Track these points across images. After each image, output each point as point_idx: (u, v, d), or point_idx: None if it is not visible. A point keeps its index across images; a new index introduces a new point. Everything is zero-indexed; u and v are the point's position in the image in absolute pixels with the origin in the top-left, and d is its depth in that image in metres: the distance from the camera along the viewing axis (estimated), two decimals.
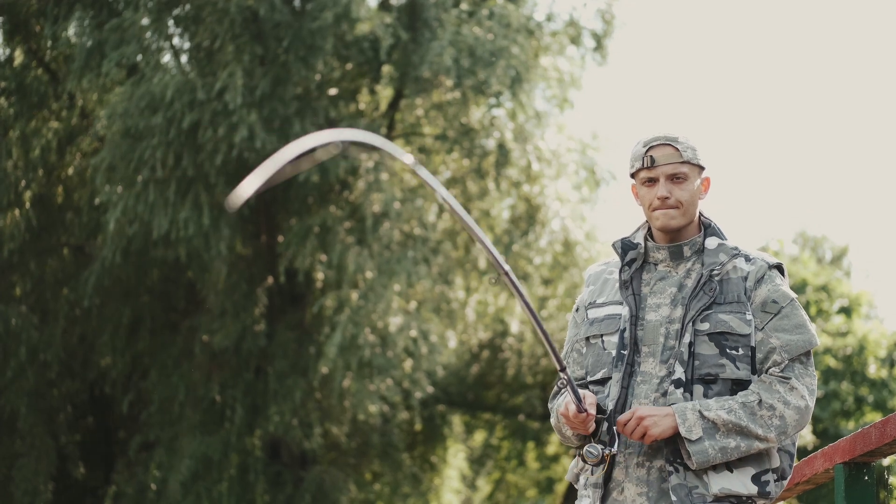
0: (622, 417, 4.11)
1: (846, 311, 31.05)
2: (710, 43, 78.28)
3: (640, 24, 68.05)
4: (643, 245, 4.36)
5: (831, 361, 29.15)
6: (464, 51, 19.01)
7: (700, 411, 4.08)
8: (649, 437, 4.08)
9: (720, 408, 4.09)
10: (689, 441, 4.06)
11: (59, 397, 21.02)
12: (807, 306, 30.52)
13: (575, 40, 21.89)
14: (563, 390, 4.37)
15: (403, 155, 3.77)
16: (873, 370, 29.49)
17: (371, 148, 3.92)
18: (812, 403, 4.18)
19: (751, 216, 71.19)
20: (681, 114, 74.40)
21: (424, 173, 3.80)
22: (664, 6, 67.96)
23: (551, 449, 28.45)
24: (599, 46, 22.09)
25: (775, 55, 76.45)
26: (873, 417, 28.51)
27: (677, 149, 4.28)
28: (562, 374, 4.09)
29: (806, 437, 25.54)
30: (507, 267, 3.89)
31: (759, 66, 76.63)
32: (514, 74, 19.21)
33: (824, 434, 27.80)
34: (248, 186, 3.49)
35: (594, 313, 4.41)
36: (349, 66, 20.20)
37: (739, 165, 75.00)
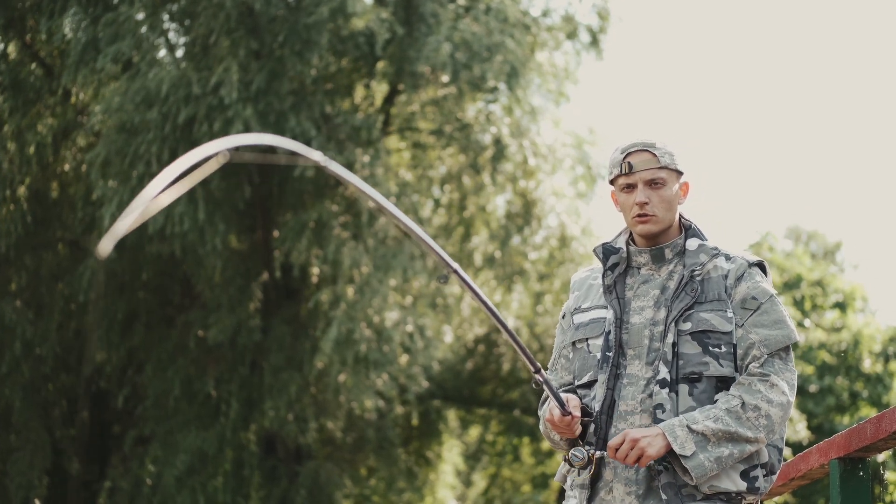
0: (612, 442, 4.12)
1: (841, 306, 31.07)
2: (705, 38, 78.33)
3: (636, 20, 68.06)
4: (625, 249, 4.38)
5: (826, 356, 29.17)
6: (460, 46, 19.00)
7: (688, 426, 4.09)
8: (646, 459, 4.08)
9: (706, 418, 4.09)
10: (685, 457, 4.07)
11: (53, 392, 21.03)
12: (801, 301, 30.54)
13: (571, 35, 21.91)
14: (549, 397, 4.39)
15: (311, 152, 3.65)
16: (868, 365, 29.51)
17: (269, 150, 3.63)
18: (792, 398, 4.20)
19: (744, 211, 71.24)
20: (675, 109, 74.45)
21: (338, 168, 3.73)
22: (659, 1, 67.95)
23: (546, 444, 28.44)
24: (595, 42, 22.10)
25: (769, 50, 76.50)
26: (868, 413, 28.54)
27: (655, 154, 4.29)
28: (536, 376, 4.11)
29: (801, 432, 25.57)
30: (455, 265, 3.88)
31: (753, 61, 76.68)
32: (510, 69, 19.19)
33: (819, 429, 27.83)
34: (123, 226, 3.15)
35: (579, 318, 4.43)
36: (345, 61, 20.19)
37: (732, 160, 75.04)
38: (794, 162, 75.00)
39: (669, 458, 4.13)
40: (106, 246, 3.26)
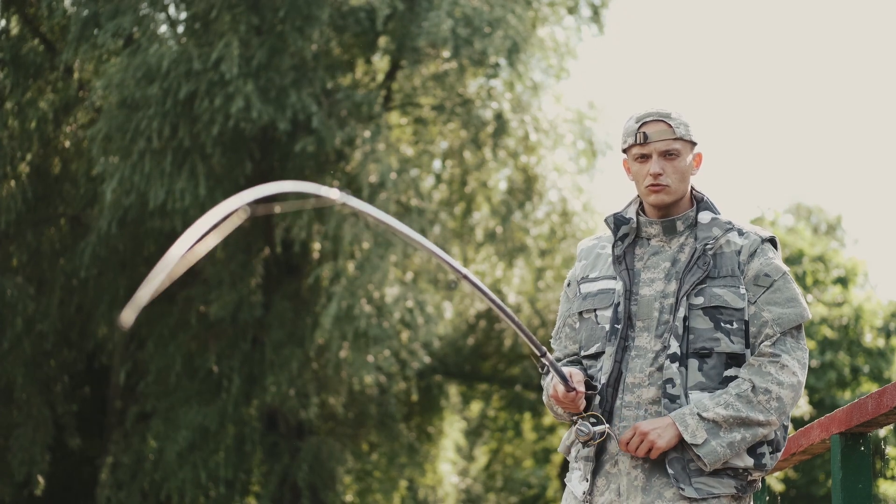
0: (624, 437, 4.11)
1: (842, 282, 31.07)
2: (706, 12, 78.17)
3: None
4: (635, 220, 4.36)
5: (828, 332, 29.18)
6: (461, 21, 18.96)
7: (698, 414, 4.08)
8: (657, 451, 4.07)
9: (717, 405, 4.09)
10: (696, 446, 4.07)
11: (55, 367, 21.05)
12: (803, 277, 30.54)
13: (572, 10, 21.86)
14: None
15: (328, 191, 3.62)
16: (869, 339, 29.52)
17: (292, 196, 3.63)
18: (804, 378, 4.20)
19: (745, 186, 71.22)
20: (676, 83, 74.34)
21: (356, 202, 3.71)
22: None
23: (548, 419, 28.49)
24: (596, 16, 22.07)
25: (770, 26, 76.36)
26: (869, 388, 28.57)
27: (670, 125, 4.26)
28: (543, 360, 4.09)
29: (802, 407, 25.59)
30: (464, 270, 3.86)
31: (754, 36, 76.55)
32: (512, 45, 19.15)
33: (820, 404, 27.86)
34: (144, 295, 3.11)
35: (587, 288, 4.40)
36: (346, 36, 20.15)
37: (734, 135, 74.97)
38: (795, 137, 74.91)
39: (683, 447, 4.12)
40: (128, 317, 3.21)
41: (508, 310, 3.91)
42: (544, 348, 4.07)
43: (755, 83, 75.90)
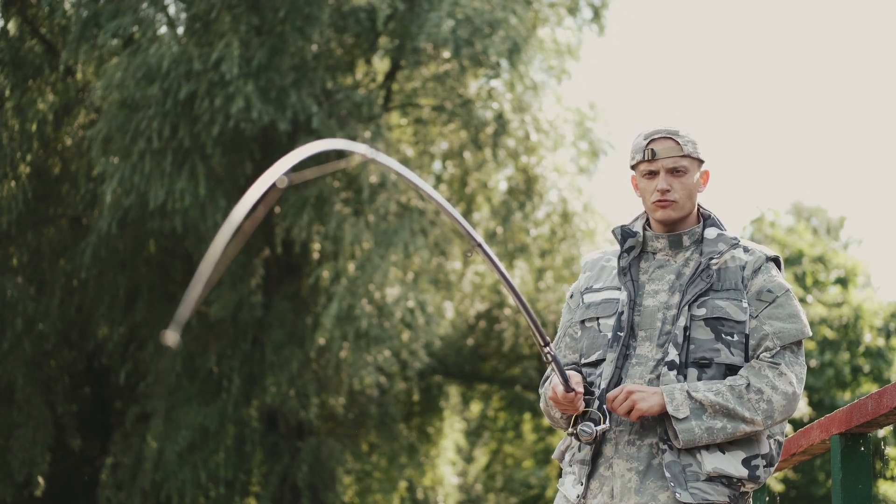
0: (611, 393, 4.14)
1: (842, 282, 31.07)
2: (706, 12, 78.18)
3: None
4: (642, 234, 4.40)
5: (827, 332, 29.17)
6: (462, 21, 18.96)
7: (688, 392, 4.12)
8: (637, 412, 4.10)
9: (708, 389, 4.13)
10: (676, 419, 4.10)
11: (56, 368, 21.05)
12: (803, 277, 30.54)
13: (572, 11, 21.86)
14: (551, 376, 4.38)
15: (357, 146, 3.68)
16: (869, 339, 29.51)
17: (317, 160, 3.61)
18: (800, 392, 4.23)
19: (746, 186, 71.23)
20: (678, 83, 74.35)
21: (383, 158, 3.75)
22: None
23: (548, 420, 28.46)
24: (597, 17, 22.07)
25: (771, 26, 76.36)
26: (869, 388, 28.57)
27: (678, 142, 4.31)
28: (546, 350, 4.12)
29: (802, 409, 25.59)
30: (479, 239, 3.90)
31: (755, 36, 76.57)
32: (512, 45, 19.16)
33: (820, 405, 27.85)
34: (196, 291, 3.06)
35: (590, 298, 4.44)
36: (346, 36, 20.15)
37: (735, 135, 74.99)
38: (797, 137, 74.93)
39: (664, 420, 4.15)
40: (172, 337, 3.19)
41: (517, 290, 3.94)
42: (548, 338, 4.11)
43: (757, 83, 75.95)
